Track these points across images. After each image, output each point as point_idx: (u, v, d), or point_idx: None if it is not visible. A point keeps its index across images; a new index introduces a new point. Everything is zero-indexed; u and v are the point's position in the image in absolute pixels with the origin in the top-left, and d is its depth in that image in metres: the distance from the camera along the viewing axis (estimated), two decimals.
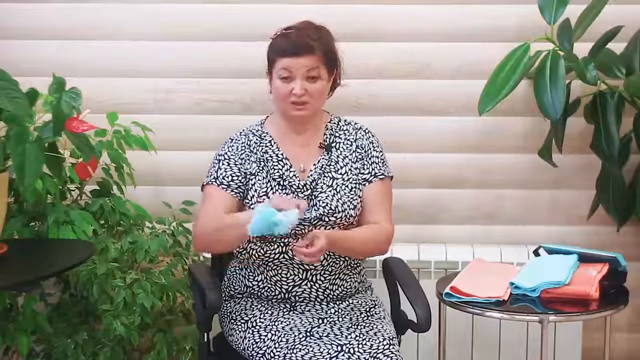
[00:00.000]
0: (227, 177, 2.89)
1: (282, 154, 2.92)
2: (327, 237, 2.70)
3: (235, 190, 2.89)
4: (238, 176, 2.90)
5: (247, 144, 2.94)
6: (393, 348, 2.71)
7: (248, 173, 2.90)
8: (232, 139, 2.97)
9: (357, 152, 2.96)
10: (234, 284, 2.99)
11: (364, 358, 2.65)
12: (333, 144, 2.95)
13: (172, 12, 3.47)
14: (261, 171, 2.91)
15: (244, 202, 2.90)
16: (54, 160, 2.91)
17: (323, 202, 2.87)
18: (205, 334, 2.92)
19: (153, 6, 3.47)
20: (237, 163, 2.91)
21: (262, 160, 2.92)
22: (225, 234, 2.81)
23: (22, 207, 3.20)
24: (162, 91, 3.51)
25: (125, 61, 3.50)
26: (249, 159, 2.92)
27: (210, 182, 2.91)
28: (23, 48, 3.48)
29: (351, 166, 2.94)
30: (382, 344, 2.70)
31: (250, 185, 2.89)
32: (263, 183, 2.89)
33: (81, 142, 2.92)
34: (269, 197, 2.85)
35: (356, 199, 2.91)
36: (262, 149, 2.93)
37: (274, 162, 2.92)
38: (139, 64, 3.50)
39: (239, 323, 2.87)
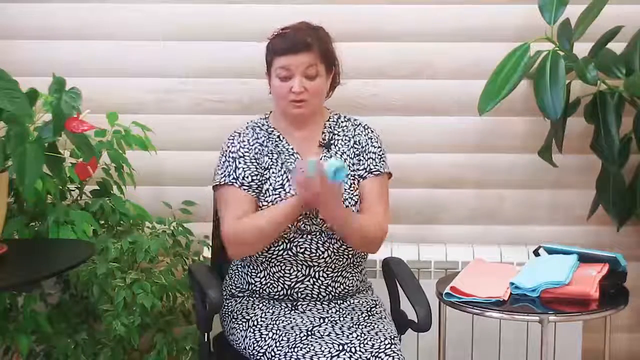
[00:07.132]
0: (247, 177, 2.87)
1: (292, 149, 2.92)
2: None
3: (255, 191, 2.87)
4: (256, 175, 2.88)
5: (256, 137, 2.94)
6: (395, 347, 2.71)
7: (263, 168, 2.90)
8: (239, 134, 2.95)
9: (355, 148, 2.96)
10: (235, 282, 2.99)
11: (366, 357, 2.65)
12: (332, 142, 2.95)
13: (172, 12, 3.47)
14: (275, 164, 2.90)
15: (259, 198, 2.89)
16: (54, 160, 2.91)
17: None
18: (206, 333, 2.92)
19: (153, 6, 3.47)
20: (252, 160, 2.90)
21: (274, 153, 2.91)
22: (272, 235, 2.80)
23: (22, 207, 3.20)
24: (162, 91, 3.51)
25: (125, 61, 3.50)
26: (262, 153, 2.91)
27: (230, 183, 2.87)
28: (23, 48, 3.48)
29: (350, 162, 2.93)
30: (384, 343, 2.70)
31: (265, 179, 2.89)
32: (278, 176, 2.88)
33: (81, 142, 2.92)
34: (285, 190, 2.84)
35: (356, 195, 2.90)
36: (273, 142, 2.93)
37: (286, 155, 2.91)
38: (139, 64, 3.50)
39: (240, 322, 2.87)
